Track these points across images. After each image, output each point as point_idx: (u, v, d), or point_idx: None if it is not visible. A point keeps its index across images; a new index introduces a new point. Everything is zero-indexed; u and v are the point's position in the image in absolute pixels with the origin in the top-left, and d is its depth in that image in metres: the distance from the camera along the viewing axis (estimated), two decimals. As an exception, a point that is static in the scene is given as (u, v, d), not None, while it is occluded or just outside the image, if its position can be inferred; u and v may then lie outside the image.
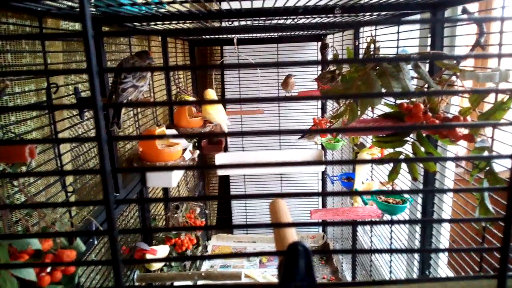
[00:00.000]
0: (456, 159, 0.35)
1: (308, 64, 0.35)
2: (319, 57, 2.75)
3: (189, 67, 0.38)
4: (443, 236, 1.36)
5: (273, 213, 0.48)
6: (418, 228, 1.43)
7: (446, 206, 1.34)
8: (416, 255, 1.47)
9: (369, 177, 1.80)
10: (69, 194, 0.95)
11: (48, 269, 0.65)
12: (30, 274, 0.56)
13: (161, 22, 1.30)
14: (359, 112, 0.89)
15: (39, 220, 0.71)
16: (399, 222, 0.36)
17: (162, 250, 1.45)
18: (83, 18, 0.27)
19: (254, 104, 2.80)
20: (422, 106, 0.88)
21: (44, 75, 0.89)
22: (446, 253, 1.46)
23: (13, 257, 0.61)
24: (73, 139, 0.32)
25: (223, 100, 0.33)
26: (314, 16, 1.34)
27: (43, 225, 0.71)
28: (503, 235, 0.31)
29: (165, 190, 1.93)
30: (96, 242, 1.02)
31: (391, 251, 0.37)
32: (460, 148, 1.37)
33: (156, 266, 1.40)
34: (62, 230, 0.72)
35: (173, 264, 1.58)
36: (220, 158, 2.63)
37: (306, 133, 2.17)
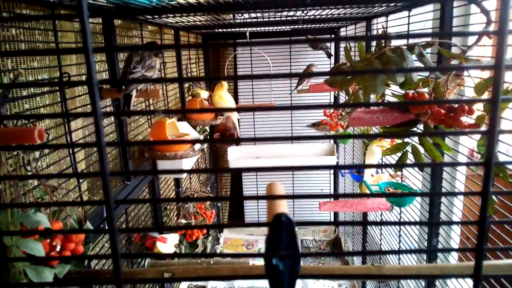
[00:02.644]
0: (428, 134, 0.36)
1: (322, 41, 0.36)
2: (333, 50, 2.74)
3: (199, 45, 0.39)
4: (454, 232, 1.36)
5: (270, 193, 0.50)
6: (427, 215, 1.43)
7: (456, 199, 1.34)
8: (425, 244, 1.46)
9: (379, 169, 1.79)
10: (80, 180, 0.98)
11: (58, 249, 0.68)
12: (39, 250, 0.59)
13: (172, 15, 1.32)
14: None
15: (51, 201, 0.75)
16: (402, 194, 0.37)
17: (172, 238, 1.48)
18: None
19: (266, 97, 2.81)
20: (427, 95, 0.88)
21: (57, 64, 0.92)
22: (458, 240, 1.45)
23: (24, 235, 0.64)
24: (73, 114, 0.34)
25: (235, 77, 0.35)
26: (323, 7, 1.35)
27: (54, 208, 0.74)
28: (480, 209, 0.32)
29: (177, 181, 1.96)
30: (107, 227, 1.05)
31: (399, 223, 0.38)
32: (471, 139, 1.36)
33: (166, 251, 1.43)
34: (73, 213, 0.75)
35: (184, 250, 1.61)
36: (232, 151, 2.65)
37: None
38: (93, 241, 0.98)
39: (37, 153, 0.83)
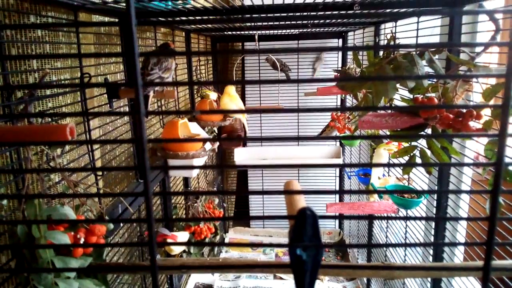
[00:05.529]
0: (441, 135, 0.39)
1: (329, 50, 0.39)
2: (340, 54, 2.77)
3: (209, 53, 0.42)
4: (459, 233, 1.38)
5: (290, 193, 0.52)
6: (433, 223, 1.45)
7: (462, 203, 1.35)
8: (431, 251, 1.48)
9: (385, 172, 1.82)
10: (98, 177, 1.01)
11: (81, 241, 0.71)
12: (66, 242, 0.62)
13: (186, 18, 1.35)
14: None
15: (73, 199, 0.78)
16: (414, 191, 0.40)
17: (182, 236, 1.51)
18: (128, 9, 0.32)
19: (273, 100, 2.84)
20: (436, 100, 0.91)
21: (78, 65, 0.96)
22: (462, 249, 1.47)
23: (50, 228, 0.67)
24: (111, 113, 0.37)
25: (242, 81, 0.38)
26: (334, 12, 1.37)
27: (77, 203, 0.78)
28: (491, 206, 0.34)
29: (186, 181, 1.99)
30: (122, 224, 1.09)
31: (406, 218, 0.41)
32: (477, 144, 1.38)
33: (176, 251, 1.47)
34: (93, 207, 0.78)
35: (192, 251, 1.64)
36: (239, 152, 2.68)
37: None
38: (110, 236, 1.02)
39: (59, 150, 0.86)
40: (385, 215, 1.90)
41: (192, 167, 0.44)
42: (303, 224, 0.36)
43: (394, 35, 1.68)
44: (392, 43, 1.41)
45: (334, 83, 2.20)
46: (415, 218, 0.37)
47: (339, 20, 1.73)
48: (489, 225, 0.34)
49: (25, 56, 0.77)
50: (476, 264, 0.59)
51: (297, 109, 0.38)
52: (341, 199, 2.99)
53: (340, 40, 2.67)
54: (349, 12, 1.27)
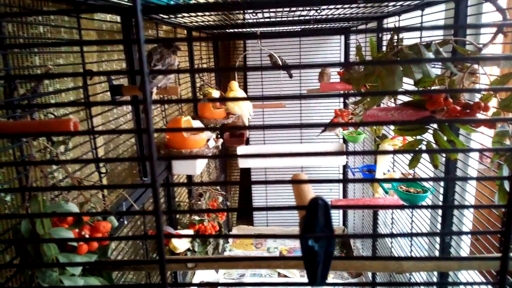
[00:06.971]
0: (454, 121, 0.38)
1: (332, 34, 0.38)
2: (343, 50, 2.75)
3: (211, 38, 0.41)
4: (466, 225, 1.36)
5: (295, 182, 0.51)
6: (439, 219, 1.44)
7: (469, 195, 1.34)
8: (437, 245, 1.47)
9: (390, 168, 1.80)
10: (102, 175, 1.01)
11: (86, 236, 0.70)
12: (70, 236, 0.61)
13: (187, 14, 1.35)
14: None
15: (77, 196, 0.77)
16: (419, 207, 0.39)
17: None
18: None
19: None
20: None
21: (80, 62, 0.95)
22: (469, 243, 1.46)
23: (55, 225, 0.67)
24: (117, 102, 0.36)
25: (244, 68, 0.37)
26: (337, 7, 1.36)
27: (81, 200, 0.77)
28: (509, 194, 0.33)
29: (189, 178, 1.99)
30: (126, 222, 1.08)
31: (413, 207, 0.40)
32: (483, 137, 1.37)
33: (181, 249, 1.46)
34: (98, 204, 0.77)
35: (196, 249, 1.63)
36: (241, 151, 2.67)
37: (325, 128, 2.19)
38: (114, 233, 1.01)
39: (62, 147, 0.85)
40: (390, 212, 1.89)
41: (196, 157, 0.43)
42: (315, 214, 0.35)
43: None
44: (395, 38, 1.39)
45: (338, 80, 2.18)
46: (422, 207, 0.36)
47: (341, 15, 1.72)
48: (507, 213, 0.33)
49: (27, 45, 0.76)
50: (489, 256, 0.58)
51: (299, 95, 0.37)
52: (345, 196, 2.98)
53: (343, 37, 2.66)
54: (352, 6, 1.26)
